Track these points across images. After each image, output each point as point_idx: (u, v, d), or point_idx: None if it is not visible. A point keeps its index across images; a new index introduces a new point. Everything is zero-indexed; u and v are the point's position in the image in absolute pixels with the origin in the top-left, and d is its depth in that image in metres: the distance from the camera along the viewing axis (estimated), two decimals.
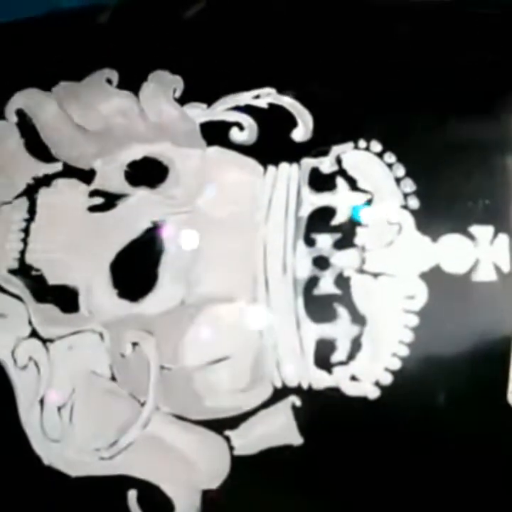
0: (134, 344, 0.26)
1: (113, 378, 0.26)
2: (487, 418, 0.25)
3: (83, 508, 0.26)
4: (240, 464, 0.25)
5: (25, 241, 0.28)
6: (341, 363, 0.25)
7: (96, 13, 0.32)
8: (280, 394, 0.25)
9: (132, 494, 0.26)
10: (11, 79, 0.31)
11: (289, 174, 0.27)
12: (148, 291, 0.26)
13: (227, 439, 0.25)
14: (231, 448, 0.25)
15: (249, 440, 0.25)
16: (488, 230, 0.26)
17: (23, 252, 0.28)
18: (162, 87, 0.28)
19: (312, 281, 0.26)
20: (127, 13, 0.31)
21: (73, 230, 0.27)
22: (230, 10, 0.30)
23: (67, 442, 0.26)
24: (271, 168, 0.27)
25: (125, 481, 0.26)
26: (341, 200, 0.26)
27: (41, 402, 0.27)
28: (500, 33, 0.28)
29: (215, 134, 0.28)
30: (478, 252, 0.26)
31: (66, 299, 0.27)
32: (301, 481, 0.25)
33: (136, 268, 0.27)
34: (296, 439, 0.25)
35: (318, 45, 0.28)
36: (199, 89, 0.28)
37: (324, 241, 0.26)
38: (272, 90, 0.28)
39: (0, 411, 0.27)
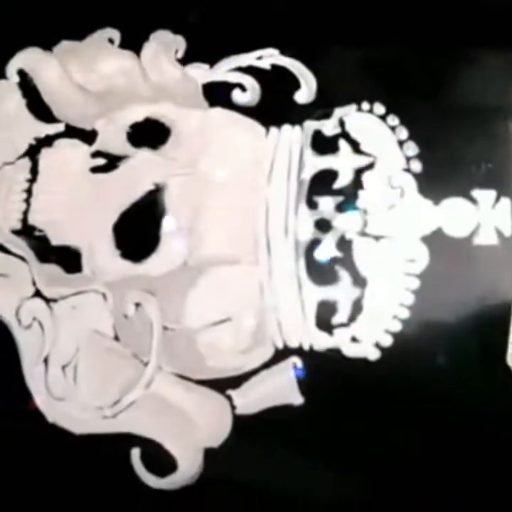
0: (137, 304, 0.27)
1: (116, 338, 0.27)
2: (487, 380, 0.25)
3: (87, 466, 0.27)
4: (241, 422, 0.26)
5: (27, 201, 0.28)
6: (342, 325, 0.25)
7: None
8: (281, 354, 0.26)
9: (135, 452, 0.26)
10: (13, 38, 0.31)
11: (292, 136, 0.27)
12: (151, 252, 0.27)
13: (229, 398, 0.26)
14: (233, 407, 0.26)
15: (250, 399, 0.26)
16: (491, 194, 0.26)
17: (25, 213, 0.28)
18: (164, 47, 0.28)
19: (314, 244, 0.26)
20: None
21: (75, 191, 0.28)
22: None
23: (71, 400, 0.27)
24: (273, 130, 0.27)
25: (128, 439, 0.26)
26: (344, 163, 0.26)
27: (45, 361, 0.27)
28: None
29: (218, 94, 0.28)
30: (480, 216, 0.26)
31: (69, 259, 0.27)
32: (301, 440, 0.26)
33: (139, 229, 0.27)
34: (296, 399, 0.25)
35: (322, 6, 0.28)
36: (201, 50, 0.28)
37: (326, 204, 0.26)
38: (274, 51, 0.28)
39: (5, 370, 0.28)
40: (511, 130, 0.26)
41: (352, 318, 0.25)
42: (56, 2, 0.31)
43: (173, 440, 0.26)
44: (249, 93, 0.27)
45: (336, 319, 0.25)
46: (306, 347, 0.26)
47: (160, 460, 0.26)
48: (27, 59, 0.30)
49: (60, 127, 0.29)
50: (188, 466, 0.26)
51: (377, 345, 0.25)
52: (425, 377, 0.25)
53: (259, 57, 0.28)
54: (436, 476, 0.26)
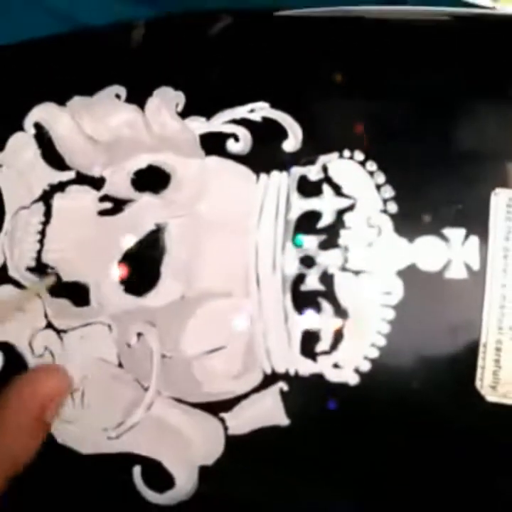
0: (139, 334, 0.29)
1: (120, 365, 0.29)
2: (458, 402, 0.27)
3: (92, 482, 0.29)
4: (233, 442, 0.28)
5: (41, 242, 0.31)
6: (325, 352, 0.28)
7: (110, 34, 0.35)
8: (269, 380, 0.28)
9: (137, 470, 0.28)
10: (30, 94, 0.33)
11: (280, 181, 0.29)
12: (152, 287, 0.29)
13: (222, 420, 0.28)
14: (225, 428, 0.28)
15: (241, 421, 0.28)
16: (461, 232, 0.28)
17: (39, 252, 0.30)
18: (166, 101, 0.31)
19: (299, 278, 0.28)
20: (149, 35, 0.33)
21: (85, 231, 0.30)
22: (226, 33, 0.32)
23: (79, 423, 0.29)
24: (263, 175, 0.29)
25: (130, 458, 0.28)
26: (327, 205, 0.29)
27: None
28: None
29: (213, 144, 0.30)
30: (451, 252, 0.28)
31: (78, 294, 0.29)
32: (287, 458, 0.28)
33: (141, 266, 0.29)
34: (283, 420, 0.27)
35: (307, 64, 0.31)
36: (199, 104, 0.31)
37: (310, 242, 0.29)
38: (265, 104, 0.30)
39: None
40: (480, 174, 0.29)
41: (334, 346, 0.28)
42: (70, 62, 0.34)
43: (170, 458, 0.28)
44: (242, 143, 0.30)
45: (319, 347, 0.28)
46: (292, 373, 0.28)
47: (159, 476, 0.28)
48: (42, 113, 0.32)
49: (71, 174, 0.31)
50: (184, 483, 0.28)
51: (357, 371, 0.27)
52: (401, 400, 0.27)
53: (251, 110, 0.30)
54: (416, 491, 0.28)
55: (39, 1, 0.40)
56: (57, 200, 0.31)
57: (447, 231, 0.28)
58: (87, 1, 0.40)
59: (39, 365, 0.29)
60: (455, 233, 0.28)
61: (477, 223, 0.28)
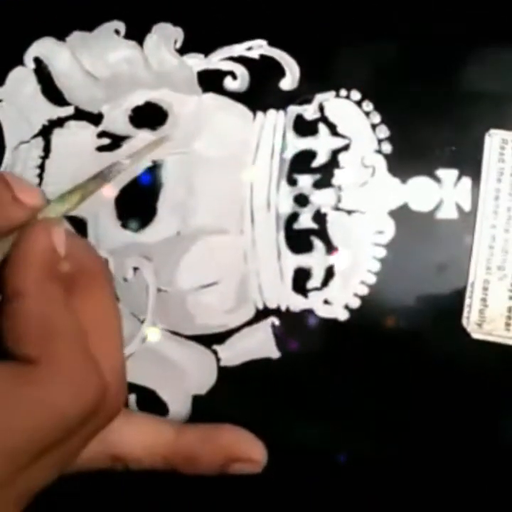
0: (135, 269, 0.29)
1: (116, 299, 0.30)
2: (445, 339, 0.28)
3: None
4: (225, 373, 0.29)
5: (40, 176, 0.31)
6: (316, 289, 0.28)
7: None
8: (261, 314, 0.29)
9: (132, 398, 0.29)
10: (31, 29, 0.33)
11: (276, 120, 0.30)
12: (149, 223, 0.30)
13: (215, 352, 0.29)
14: (218, 360, 0.29)
15: (233, 353, 0.29)
16: (453, 173, 0.28)
17: (39, 185, 0.31)
18: (164, 38, 0.31)
19: (293, 217, 0.29)
20: None
21: (83, 167, 0.30)
22: None
23: None
24: (260, 114, 0.30)
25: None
26: (322, 144, 0.29)
27: None
28: None
29: (211, 81, 0.30)
30: (443, 193, 0.28)
31: (76, 228, 0.30)
32: (277, 389, 0.29)
33: (138, 202, 0.30)
34: (273, 353, 0.28)
35: (305, 3, 0.31)
36: (198, 41, 0.31)
37: (305, 181, 0.29)
38: (263, 42, 0.30)
39: None
40: (474, 117, 0.29)
41: (325, 283, 0.28)
42: None
43: (164, 388, 0.29)
44: (240, 80, 0.30)
45: (310, 284, 0.28)
46: (283, 308, 0.29)
47: (153, 405, 0.29)
48: (42, 48, 0.32)
49: (70, 110, 0.31)
50: (178, 411, 0.29)
51: (347, 307, 0.28)
52: (389, 336, 0.28)
53: (249, 48, 0.30)
54: (403, 425, 0.29)
55: None
56: (56, 135, 0.31)
57: (440, 172, 0.28)
58: None
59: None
60: (448, 174, 0.28)
61: (470, 164, 0.28)
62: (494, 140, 0.29)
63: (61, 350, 0.22)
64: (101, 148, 0.31)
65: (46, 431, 0.22)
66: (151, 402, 0.29)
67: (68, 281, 0.24)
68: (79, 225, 0.30)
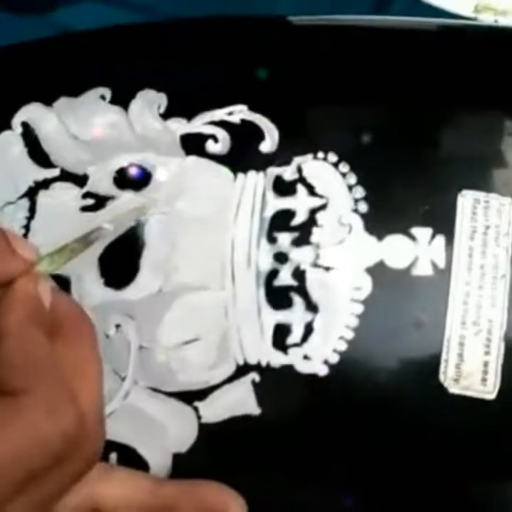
0: (117, 326, 0.30)
1: None
2: (422, 394, 0.29)
3: None
4: (206, 430, 0.29)
5: (26, 236, 0.32)
6: (296, 345, 0.29)
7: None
8: (242, 370, 0.29)
9: (113, 456, 0.29)
10: (19, 94, 0.34)
11: (256, 181, 0.31)
12: (131, 281, 0.30)
13: (196, 409, 0.29)
14: (199, 417, 0.29)
15: (214, 410, 0.29)
16: (427, 231, 0.29)
17: None
18: (148, 103, 0.32)
19: (272, 274, 0.29)
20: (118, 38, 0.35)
21: (67, 226, 0.31)
22: (208, 36, 0.34)
23: None
24: (240, 175, 0.31)
25: (107, 445, 0.28)
26: (300, 204, 0.30)
27: None
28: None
29: (193, 144, 0.31)
30: (418, 250, 0.29)
31: (60, 286, 0.30)
32: (258, 447, 0.29)
33: (121, 260, 0.30)
34: (254, 410, 0.29)
35: (285, 69, 0.32)
36: (180, 106, 0.32)
37: (284, 239, 0.30)
38: (243, 107, 0.32)
39: None
40: (447, 176, 0.30)
41: (304, 339, 0.29)
42: (57, 63, 0.35)
43: (145, 446, 0.29)
44: (221, 143, 0.31)
45: (290, 340, 0.29)
46: (263, 364, 0.29)
47: (134, 463, 0.29)
48: (30, 113, 0.33)
49: (56, 172, 0.32)
50: (158, 469, 0.29)
51: (326, 363, 0.29)
52: (368, 391, 0.28)
53: (230, 113, 0.32)
54: (383, 480, 0.29)
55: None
56: (42, 197, 0.32)
57: (415, 230, 0.29)
58: (80, 9, 0.41)
59: None
60: (422, 232, 0.29)
61: (444, 223, 0.29)
62: (466, 200, 0.30)
63: (41, 383, 0.23)
64: (85, 209, 0.31)
65: (29, 456, 0.22)
66: (131, 460, 0.29)
67: (52, 330, 0.25)
68: (63, 283, 0.31)
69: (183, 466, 0.29)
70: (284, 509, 0.29)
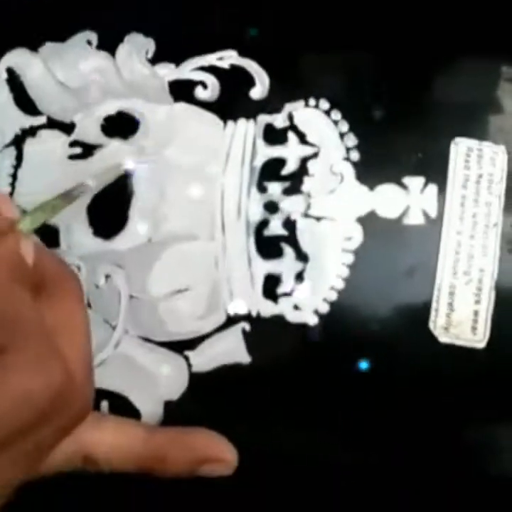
0: (107, 276, 0.30)
1: (89, 305, 0.30)
2: (413, 343, 0.29)
3: None
4: (196, 379, 0.29)
5: (13, 185, 0.31)
6: (286, 294, 0.29)
7: None
8: (232, 320, 0.29)
9: (104, 404, 0.29)
10: (3, 40, 0.33)
11: (246, 129, 0.30)
12: (120, 230, 0.30)
13: (186, 358, 0.29)
14: (189, 365, 0.29)
15: (205, 359, 0.29)
16: (420, 180, 0.29)
17: (11, 194, 0.31)
18: (136, 48, 0.31)
19: (263, 224, 0.29)
20: None
21: (55, 175, 0.31)
22: None
23: None
24: (230, 123, 0.30)
25: (98, 393, 0.29)
26: (291, 152, 0.30)
27: None
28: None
29: (182, 91, 0.31)
30: (410, 200, 0.29)
31: (48, 235, 0.30)
32: (248, 394, 0.29)
33: (110, 209, 0.30)
34: (244, 358, 0.29)
35: (275, 13, 0.31)
36: (169, 51, 0.31)
37: (274, 188, 0.29)
38: (233, 52, 0.31)
39: None
40: (440, 125, 0.30)
41: (294, 289, 0.29)
42: (42, 8, 0.34)
43: (136, 394, 0.29)
44: (210, 90, 0.31)
45: (280, 289, 0.29)
46: (254, 314, 0.29)
47: (126, 411, 0.29)
48: (15, 58, 0.32)
49: (42, 119, 0.31)
50: (150, 417, 0.29)
51: (316, 312, 0.29)
52: (358, 341, 0.29)
53: (220, 58, 0.31)
54: (371, 429, 0.29)
55: None
56: (29, 145, 0.31)
57: (407, 179, 0.29)
58: None
59: None
60: (414, 181, 0.29)
61: (436, 172, 0.29)
62: (460, 148, 0.29)
63: (26, 339, 0.23)
64: (73, 157, 0.31)
65: (15, 413, 0.22)
66: (123, 408, 0.29)
67: (36, 287, 0.25)
68: (51, 233, 0.30)
69: (175, 414, 0.29)
70: (273, 456, 0.29)
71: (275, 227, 0.29)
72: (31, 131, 0.32)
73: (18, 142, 0.32)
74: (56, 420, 0.24)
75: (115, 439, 0.27)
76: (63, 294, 0.26)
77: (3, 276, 0.24)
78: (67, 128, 0.31)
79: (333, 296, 0.28)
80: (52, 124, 0.31)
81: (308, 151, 0.30)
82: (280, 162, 0.30)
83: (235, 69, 0.31)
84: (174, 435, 0.27)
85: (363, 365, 0.28)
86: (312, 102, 0.30)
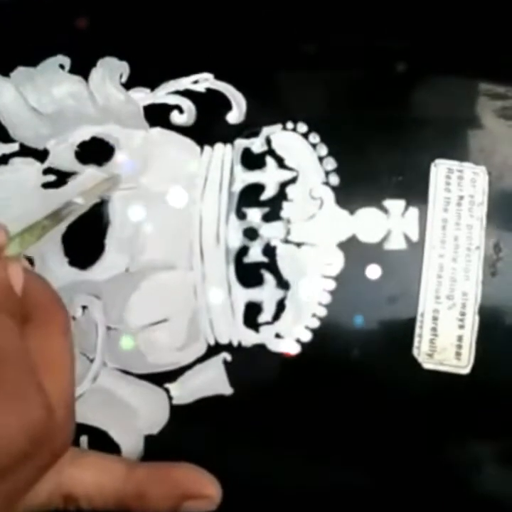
0: (84, 307, 0.29)
1: None
2: (396, 370, 0.28)
3: None
4: (177, 412, 0.28)
5: None
6: (267, 323, 0.28)
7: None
8: (213, 350, 0.28)
9: (84, 439, 0.29)
10: None
11: (224, 154, 0.30)
12: (96, 260, 0.29)
13: (167, 390, 0.28)
14: (170, 398, 0.28)
15: (185, 391, 0.28)
16: (400, 203, 0.29)
17: None
18: (110, 72, 0.31)
19: (242, 251, 0.29)
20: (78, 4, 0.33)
21: (29, 204, 0.30)
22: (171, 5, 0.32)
23: None
24: (207, 148, 0.30)
25: (78, 428, 0.28)
26: (270, 177, 0.29)
27: None
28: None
29: (157, 116, 0.30)
30: (391, 223, 0.29)
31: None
32: (230, 427, 0.28)
33: (85, 239, 0.29)
34: (226, 390, 0.28)
35: (251, 36, 0.31)
36: (143, 75, 0.30)
37: (254, 214, 0.29)
38: (209, 75, 0.30)
39: None
40: (421, 145, 0.29)
41: (276, 317, 0.28)
42: (13, 31, 0.33)
43: (116, 428, 0.28)
44: (186, 114, 0.30)
45: (261, 318, 0.28)
46: (235, 343, 0.28)
47: (105, 446, 0.28)
48: None
49: (15, 147, 0.31)
50: (130, 452, 0.28)
51: (298, 341, 0.28)
52: (341, 369, 0.28)
53: (195, 82, 0.30)
54: (357, 456, 0.29)
55: None
56: (1, 173, 0.31)
57: (387, 203, 0.29)
58: None
59: None
60: (395, 205, 0.29)
61: (417, 194, 0.29)
62: (440, 170, 0.29)
63: (7, 373, 0.22)
64: (46, 185, 0.30)
65: None
66: (102, 443, 0.28)
67: (23, 317, 0.24)
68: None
69: (156, 448, 0.28)
70: (258, 486, 0.29)
71: (255, 254, 0.29)
72: (3, 159, 0.31)
73: None
74: (35, 459, 0.23)
75: (95, 477, 0.26)
76: (50, 327, 0.25)
77: None
78: (41, 155, 0.31)
79: (315, 324, 0.28)
80: (25, 151, 0.31)
81: (287, 175, 0.29)
82: (259, 187, 0.29)
83: (211, 92, 0.30)
84: (155, 471, 0.27)
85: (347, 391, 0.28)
86: (290, 125, 0.29)
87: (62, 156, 0.30)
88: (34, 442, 0.22)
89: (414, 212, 0.29)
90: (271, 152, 0.29)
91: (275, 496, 0.29)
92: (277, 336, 0.28)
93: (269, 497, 0.29)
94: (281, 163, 0.29)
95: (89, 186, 0.29)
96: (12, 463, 0.22)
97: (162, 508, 0.26)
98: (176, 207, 0.29)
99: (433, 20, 0.31)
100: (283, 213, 0.29)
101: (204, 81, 0.30)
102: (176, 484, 0.26)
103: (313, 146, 0.29)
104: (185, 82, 0.30)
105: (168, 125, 0.30)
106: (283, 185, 0.29)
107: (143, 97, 0.30)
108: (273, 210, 0.29)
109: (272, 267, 0.28)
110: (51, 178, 0.30)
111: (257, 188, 0.29)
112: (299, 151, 0.29)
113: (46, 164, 0.30)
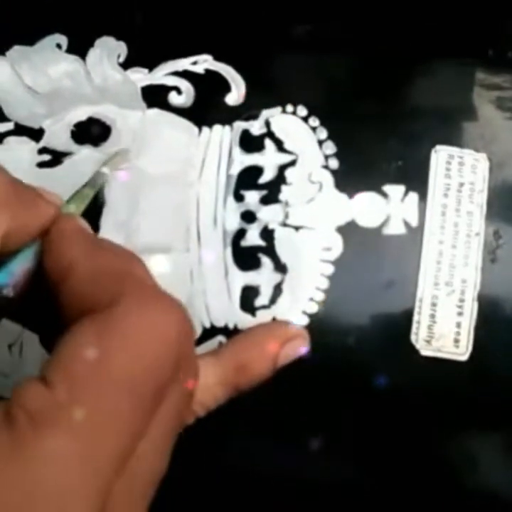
0: None
1: None
2: (393, 356, 0.28)
3: None
4: None
5: None
6: (264, 307, 0.28)
7: None
8: (209, 333, 0.28)
9: None
10: None
11: (222, 136, 0.29)
12: None
13: None
14: None
15: None
16: (400, 189, 0.28)
17: None
18: (107, 52, 0.30)
19: (240, 234, 0.28)
20: None
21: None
22: None
23: (15, 375, 0.29)
24: (205, 129, 0.29)
25: None
26: (268, 160, 0.29)
27: None
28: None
29: (155, 97, 0.30)
30: (390, 209, 0.28)
31: None
32: (224, 410, 0.28)
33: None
34: None
35: (252, 16, 0.31)
36: (141, 55, 0.30)
37: (252, 197, 0.29)
38: (208, 57, 0.30)
39: None
40: (420, 132, 0.29)
41: (273, 301, 0.28)
42: (9, 9, 0.33)
43: None
44: (185, 96, 0.30)
45: (258, 301, 0.28)
46: (231, 326, 0.28)
47: None
48: None
49: (10, 126, 0.30)
50: None
51: None
52: (337, 354, 0.28)
53: (194, 63, 0.30)
54: (352, 443, 0.28)
55: None
56: None
57: (387, 187, 0.28)
58: None
59: None
60: (395, 190, 0.28)
61: (417, 180, 0.28)
62: (440, 156, 0.29)
63: (131, 286, 0.21)
64: (41, 165, 0.30)
65: (159, 358, 0.20)
66: None
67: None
68: None
69: None
70: (255, 479, 0.29)
71: (252, 237, 0.28)
72: None
73: None
74: (185, 369, 0.21)
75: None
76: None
77: (77, 245, 0.23)
78: (36, 134, 0.30)
79: (313, 309, 0.28)
80: (20, 130, 0.30)
81: (285, 158, 0.29)
82: (257, 170, 0.29)
83: (210, 74, 0.30)
84: (237, 341, 0.27)
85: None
86: (290, 108, 0.29)
87: (58, 136, 0.30)
88: (182, 344, 0.21)
89: (413, 197, 0.28)
90: (270, 135, 0.29)
91: (271, 489, 0.29)
92: (274, 320, 0.28)
93: (266, 491, 0.29)
94: (280, 146, 0.29)
95: (109, 157, 0.29)
96: (175, 368, 0.20)
97: (265, 368, 0.26)
98: (173, 189, 0.29)
99: (430, 10, 0.31)
100: (281, 196, 0.28)
101: (203, 62, 0.30)
102: (265, 335, 0.27)
103: (313, 129, 0.29)
104: (183, 63, 0.30)
105: (166, 106, 0.30)
106: (282, 168, 0.29)
107: (141, 77, 0.30)
108: (271, 193, 0.28)
109: (270, 251, 0.28)
110: (46, 157, 0.30)
111: (255, 171, 0.29)
112: (298, 135, 0.29)
113: (41, 144, 0.30)
